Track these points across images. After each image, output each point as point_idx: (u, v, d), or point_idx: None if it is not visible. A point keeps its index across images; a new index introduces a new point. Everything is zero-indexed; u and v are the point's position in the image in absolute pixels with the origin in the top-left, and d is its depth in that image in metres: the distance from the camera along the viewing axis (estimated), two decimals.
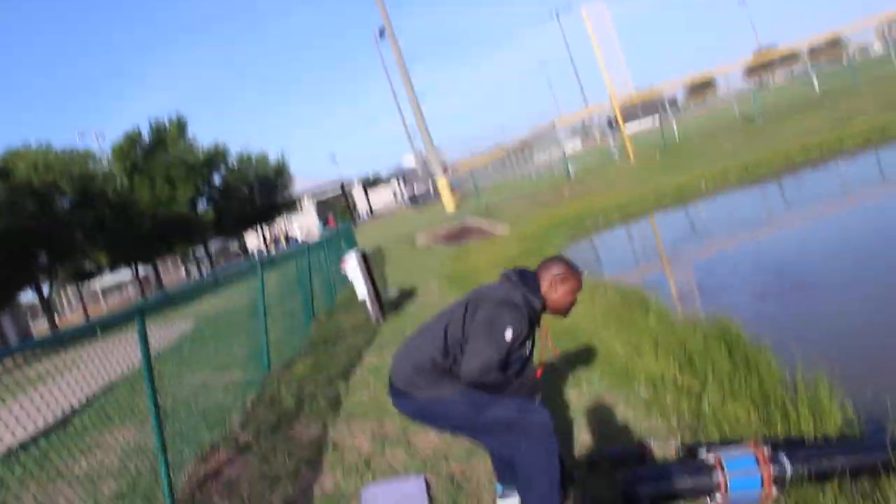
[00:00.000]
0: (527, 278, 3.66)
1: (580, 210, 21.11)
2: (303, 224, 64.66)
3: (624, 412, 5.32)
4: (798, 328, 6.88)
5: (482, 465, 4.68)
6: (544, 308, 3.67)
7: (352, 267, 10.77)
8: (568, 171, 32.18)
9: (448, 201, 31.77)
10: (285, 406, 6.74)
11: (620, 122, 32.56)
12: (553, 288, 3.65)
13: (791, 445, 4.01)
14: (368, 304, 10.95)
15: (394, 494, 4.44)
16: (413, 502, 4.29)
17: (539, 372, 3.79)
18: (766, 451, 3.52)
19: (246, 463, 5.37)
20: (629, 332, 7.36)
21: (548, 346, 4.22)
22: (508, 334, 3.37)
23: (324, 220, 60.85)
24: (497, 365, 3.37)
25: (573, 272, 3.69)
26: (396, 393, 3.58)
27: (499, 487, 4.07)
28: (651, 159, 27.62)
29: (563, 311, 3.73)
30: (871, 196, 13.59)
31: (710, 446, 3.77)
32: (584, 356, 6.66)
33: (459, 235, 23.36)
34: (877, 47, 61.22)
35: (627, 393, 5.76)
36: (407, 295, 13.32)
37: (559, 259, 3.75)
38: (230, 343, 9.39)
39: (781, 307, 7.82)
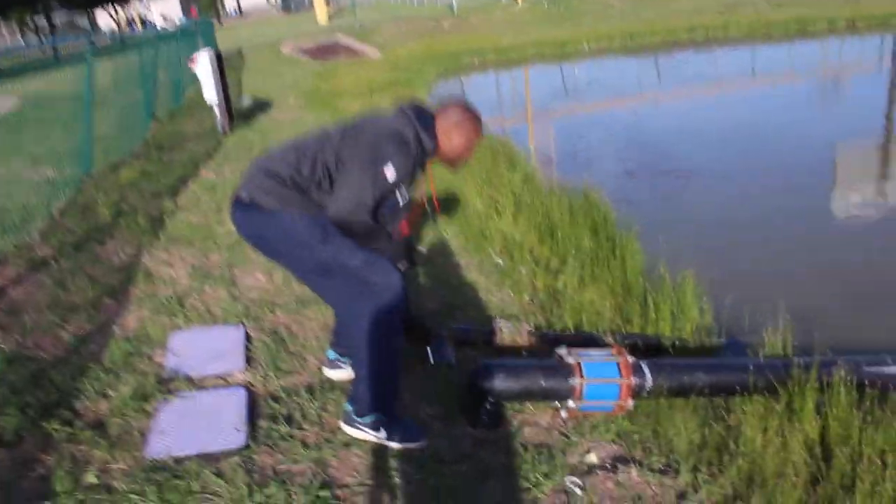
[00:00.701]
0: (424, 117, 3.06)
1: (457, 47, 20.18)
2: (163, 11, 59.61)
3: (476, 279, 4.91)
4: (664, 216, 6.63)
5: (313, 319, 4.16)
6: (435, 154, 3.08)
7: (203, 66, 9.59)
8: (452, 4, 30.79)
9: (322, 13, 29.85)
10: (99, 218, 5.86)
11: None
12: (450, 135, 3.08)
13: (652, 354, 3.73)
14: (216, 110, 9.92)
15: (205, 344, 3.85)
16: (226, 356, 3.72)
17: (405, 227, 3.21)
18: (628, 359, 3.16)
19: (38, 284, 4.57)
20: (491, 188, 6.91)
21: (430, 195, 3.56)
22: (390, 172, 2.83)
23: (186, 9, 56.28)
24: (371, 204, 2.85)
25: (476, 122, 3.12)
26: (239, 205, 2.98)
27: (330, 353, 3.57)
28: (538, 7, 26.72)
29: (456, 163, 3.19)
30: (745, 88, 13.60)
31: (570, 344, 3.38)
32: (441, 206, 6.16)
33: (328, 51, 22.01)
34: None
35: (482, 258, 5.35)
36: (260, 106, 12.29)
37: (463, 104, 3.14)
38: (50, 131, 8.29)
39: (649, 190, 7.56)
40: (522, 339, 3.84)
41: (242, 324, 4.10)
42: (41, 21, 49.84)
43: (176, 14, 57.72)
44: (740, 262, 5.64)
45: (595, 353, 3.24)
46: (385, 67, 17.29)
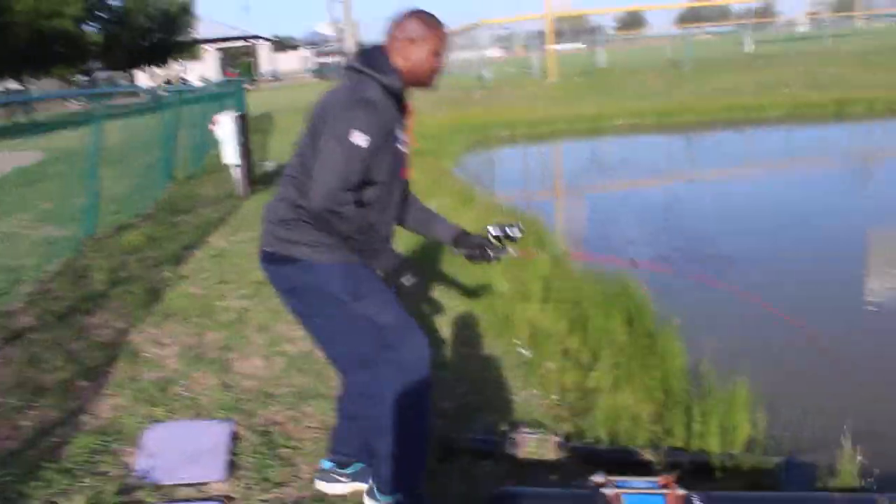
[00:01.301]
0: (373, 57, 2.67)
1: (488, 119, 19.94)
2: (202, 73, 60.81)
3: (498, 373, 4.40)
4: (706, 308, 6.07)
5: (312, 417, 3.66)
6: (404, 84, 2.71)
7: (224, 128, 9.33)
8: (482, 76, 30.84)
9: None
10: (92, 285, 5.44)
11: (549, 36, 31.29)
12: (407, 55, 2.67)
13: (698, 474, 3.20)
14: (235, 172, 9.60)
15: (184, 442, 3.34)
16: (206, 460, 3.22)
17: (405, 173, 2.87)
18: (678, 492, 2.62)
19: (7, 359, 4.12)
20: (517, 268, 6.43)
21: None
22: (360, 138, 2.47)
23: (224, 71, 57.41)
24: (354, 181, 2.50)
25: (427, 27, 2.69)
26: (265, 258, 2.76)
27: (325, 463, 3.06)
28: (571, 82, 26.63)
29: (426, 80, 2.77)
30: (785, 167, 13.16)
31: (606, 462, 2.86)
32: (463, 285, 5.69)
33: None
34: (801, 28, 61.83)
35: (506, 348, 4.85)
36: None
37: (406, 14, 2.70)
38: (64, 187, 7.99)
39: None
40: (550, 453, 3.32)
41: (231, 419, 3.60)
42: (83, 79, 50.99)
43: (214, 76, 58.86)
44: (796, 363, 5.04)
45: (638, 484, 2.70)
46: (415, 136, 17.03)
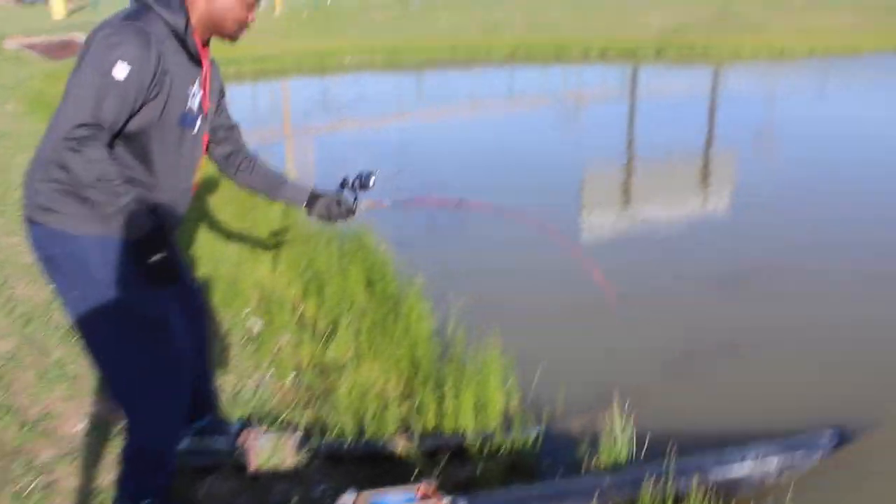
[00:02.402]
0: None
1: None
2: None
3: (224, 355, 3.81)
4: (449, 260, 5.81)
5: None
6: (194, 29, 2.15)
7: None
8: None
9: (58, 6, 26.66)
10: None
11: None
12: None
13: (456, 458, 2.89)
14: None
15: None
16: None
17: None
18: (442, 501, 2.25)
19: None
20: (245, 222, 5.79)
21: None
22: (121, 68, 1.93)
23: None
24: (106, 119, 1.95)
25: None
26: (27, 221, 2.16)
27: None
28: (298, 17, 25.53)
29: (229, 31, 2.25)
30: (507, 109, 13.47)
31: (354, 459, 2.44)
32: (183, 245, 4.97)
33: (63, 49, 19.44)
34: None
35: (233, 319, 4.26)
36: None
37: None
38: None
39: (426, 226, 6.75)
40: (288, 457, 2.82)
41: None
42: None
43: None
44: (542, 319, 4.89)
45: (394, 496, 2.29)
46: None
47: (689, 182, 8.60)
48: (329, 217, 2.70)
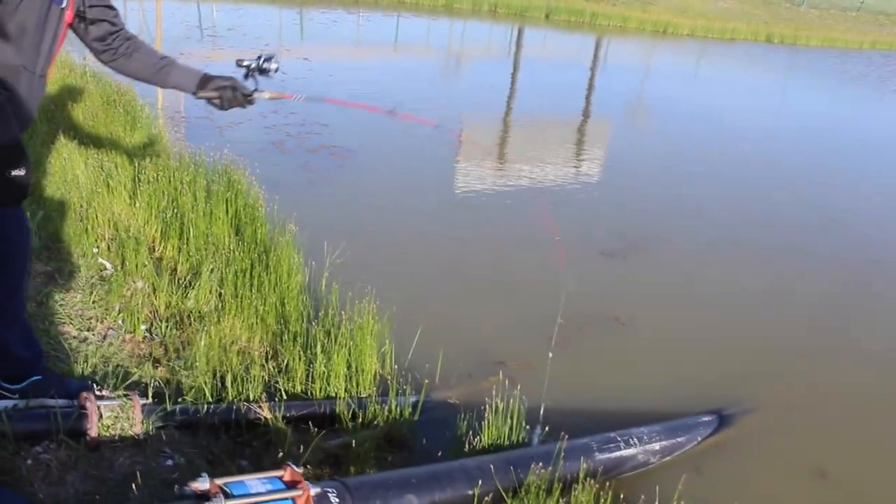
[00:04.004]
0: None
1: None
2: None
3: (66, 300, 3.37)
4: (324, 208, 5.48)
5: None
6: None
7: None
8: None
9: None
10: None
11: None
12: None
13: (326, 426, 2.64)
14: None
15: None
16: None
17: None
18: (311, 491, 1.98)
19: None
20: (101, 147, 5.22)
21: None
22: None
23: None
24: None
25: None
26: None
27: None
28: None
29: None
30: (390, 55, 13.10)
31: (209, 424, 2.16)
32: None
33: None
34: None
35: (81, 258, 3.79)
36: None
37: None
38: None
39: (304, 171, 6.36)
40: (135, 424, 2.46)
41: None
42: None
43: None
44: (422, 280, 4.68)
45: (257, 487, 1.99)
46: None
47: (564, 145, 8.62)
48: (222, 104, 2.42)
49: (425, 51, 14.21)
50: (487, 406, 2.89)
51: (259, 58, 2.42)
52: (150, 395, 2.61)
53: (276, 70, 2.43)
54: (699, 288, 5.07)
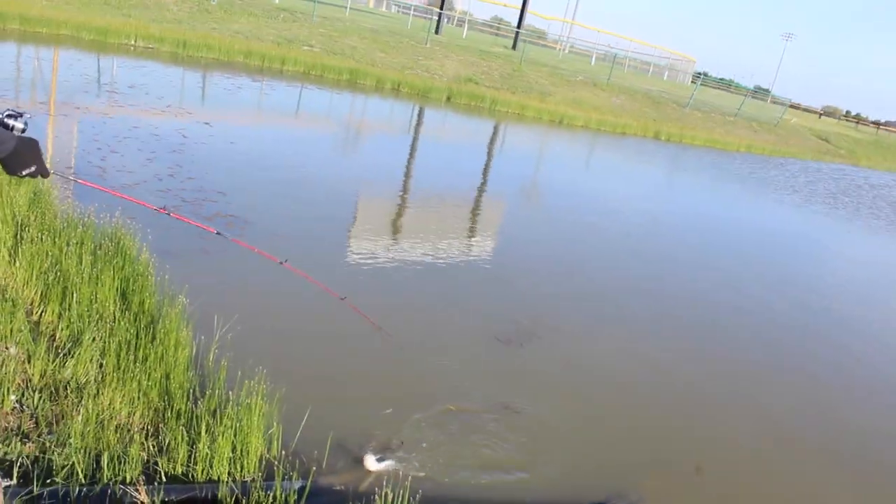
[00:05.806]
0: None
1: None
2: None
3: None
4: (224, 286, 5.35)
5: None
6: None
7: None
8: None
9: None
10: None
11: None
12: None
13: None
14: None
15: None
16: None
17: None
18: None
19: None
20: None
21: None
22: None
23: None
24: None
25: None
26: None
27: None
28: None
29: None
30: (290, 124, 13.11)
31: None
32: None
33: None
34: None
35: None
36: None
37: None
38: None
39: (197, 237, 6.20)
40: None
41: None
42: None
43: None
44: (313, 358, 4.59)
45: None
46: None
47: (458, 224, 8.76)
48: None
49: (326, 122, 14.34)
50: (377, 496, 2.83)
51: (2, 112, 2.02)
52: (16, 475, 2.44)
53: (24, 131, 2.04)
54: (583, 376, 5.17)
